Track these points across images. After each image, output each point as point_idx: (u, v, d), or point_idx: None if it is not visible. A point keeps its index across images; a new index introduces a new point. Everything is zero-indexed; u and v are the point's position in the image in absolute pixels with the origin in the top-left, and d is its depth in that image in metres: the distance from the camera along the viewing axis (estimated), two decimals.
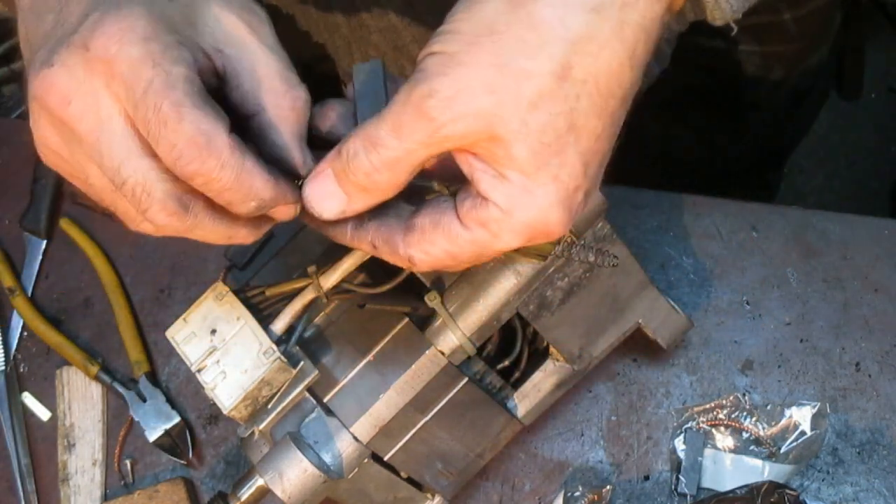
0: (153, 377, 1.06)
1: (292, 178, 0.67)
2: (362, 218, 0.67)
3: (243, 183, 0.62)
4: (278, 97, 0.66)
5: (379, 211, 0.67)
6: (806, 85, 1.33)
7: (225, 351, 0.80)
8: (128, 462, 1.04)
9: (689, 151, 1.42)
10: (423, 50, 0.61)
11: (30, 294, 1.10)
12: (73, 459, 1.05)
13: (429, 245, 0.65)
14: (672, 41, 1.11)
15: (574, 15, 0.60)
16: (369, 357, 0.84)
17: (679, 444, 0.99)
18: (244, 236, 0.68)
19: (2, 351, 1.08)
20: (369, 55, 1.12)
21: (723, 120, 1.36)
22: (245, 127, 0.67)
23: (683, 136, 1.41)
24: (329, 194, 0.65)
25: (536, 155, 0.61)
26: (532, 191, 0.62)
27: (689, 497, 0.98)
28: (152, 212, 0.63)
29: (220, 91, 0.66)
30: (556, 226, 0.63)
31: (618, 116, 0.63)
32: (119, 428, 1.05)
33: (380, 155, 0.62)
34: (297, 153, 0.66)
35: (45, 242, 1.12)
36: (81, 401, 1.06)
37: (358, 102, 0.70)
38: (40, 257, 1.12)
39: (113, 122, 0.62)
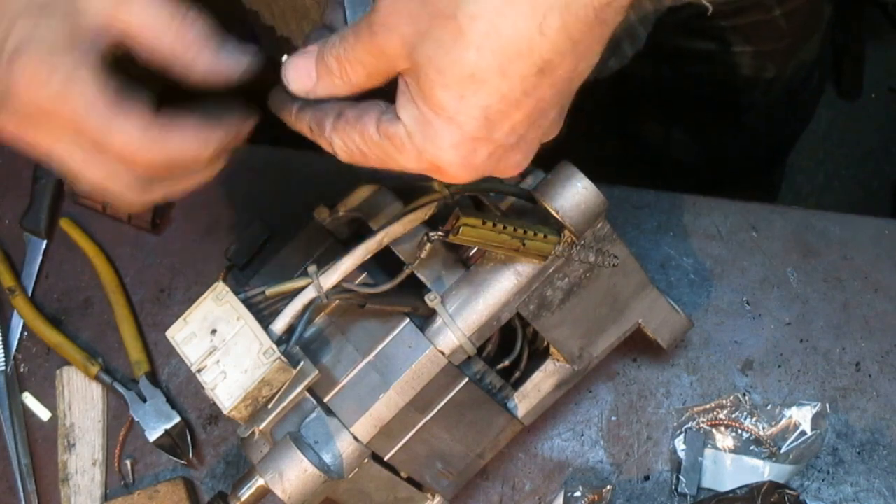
0: (153, 377, 1.06)
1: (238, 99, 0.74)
2: (309, 101, 0.73)
3: (179, 150, 0.71)
4: (179, 40, 0.71)
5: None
6: (799, 79, 1.33)
7: (225, 351, 0.80)
8: (128, 462, 1.04)
9: (688, 152, 1.42)
10: None
11: (30, 294, 1.10)
12: (73, 459, 1.05)
13: (346, 135, 0.71)
14: (647, 23, 1.10)
15: None
16: (369, 357, 0.84)
17: (679, 444, 0.99)
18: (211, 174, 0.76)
19: (2, 351, 1.08)
20: None
21: (719, 120, 1.37)
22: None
23: (681, 138, 1.41)
24: (305, 72, 0.71)
25: (437, 91, 0.65)
26: (431, 123, 0.66)
27: (689, 497, 0.98)
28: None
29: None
30: (450, 168, 0.68)
31: (530, 84, 0.65)
32: (119, 428, 1.05)
33: (345, 49, 0.68)
34: (224, 63, 0.73)
35: (45, 242, 1.12)
36: (81, 401, 1.06)
37: (347, 10, 0.76)
38: (40, 257, 1.11)
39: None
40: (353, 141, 0.71)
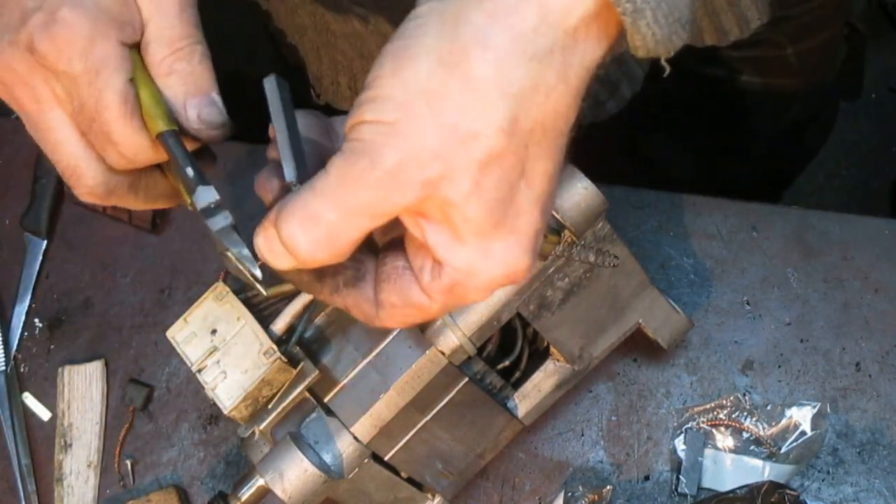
0: None
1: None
2: (338, 284, 0.65)
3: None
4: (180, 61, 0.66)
5: (353, 274, 0.65)
6: (808, 114, 1.32)
7: (225, 351, 0.80)
8: (128, 462, 1.04)
9: (690, 171, 1.42)
10: (351, 118, 0.58)
11: (30, 294, 1.10)
12: (68, 460, 1.05)
13: (403, 318, 0.64)
14: (644, 63, 1.09)
15: (515, 68, 0.56)
16: (369, 357, 0.84)
17: (679, 444, 0.99)
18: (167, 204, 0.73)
19: (2, 351, 1.08)
20: (337, 60, 1.11)
21: (724, 144, 1.36)
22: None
23: (684, 157, 1.41)
24: (278, 253, 0.61)
25: (492, 212, 0.58)
26: (492, 249, 0.59)
27: (689, 497, 0.98)
28: (78, 192, 0.69)
29: None
30: (522, 272, 0.61)
31: (563, 148, 0.61)
32: (119, 429, 1.05)
33: (320, 230, 0.59)
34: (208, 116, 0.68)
35: (45, 242, 1.12)
36: (81, 401, 1.06)
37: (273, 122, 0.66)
38: (40, 257, 1.12)
39: (52, 113, 0.66)
40: (412, 317, 0.64)
